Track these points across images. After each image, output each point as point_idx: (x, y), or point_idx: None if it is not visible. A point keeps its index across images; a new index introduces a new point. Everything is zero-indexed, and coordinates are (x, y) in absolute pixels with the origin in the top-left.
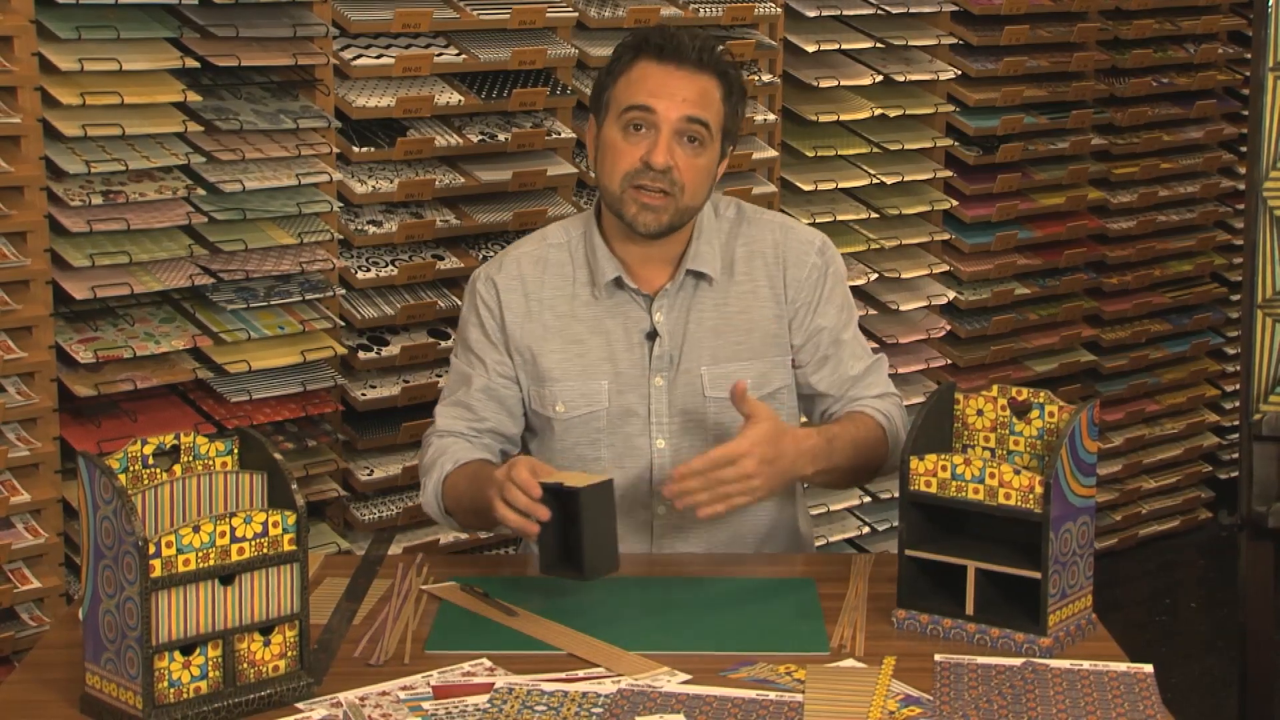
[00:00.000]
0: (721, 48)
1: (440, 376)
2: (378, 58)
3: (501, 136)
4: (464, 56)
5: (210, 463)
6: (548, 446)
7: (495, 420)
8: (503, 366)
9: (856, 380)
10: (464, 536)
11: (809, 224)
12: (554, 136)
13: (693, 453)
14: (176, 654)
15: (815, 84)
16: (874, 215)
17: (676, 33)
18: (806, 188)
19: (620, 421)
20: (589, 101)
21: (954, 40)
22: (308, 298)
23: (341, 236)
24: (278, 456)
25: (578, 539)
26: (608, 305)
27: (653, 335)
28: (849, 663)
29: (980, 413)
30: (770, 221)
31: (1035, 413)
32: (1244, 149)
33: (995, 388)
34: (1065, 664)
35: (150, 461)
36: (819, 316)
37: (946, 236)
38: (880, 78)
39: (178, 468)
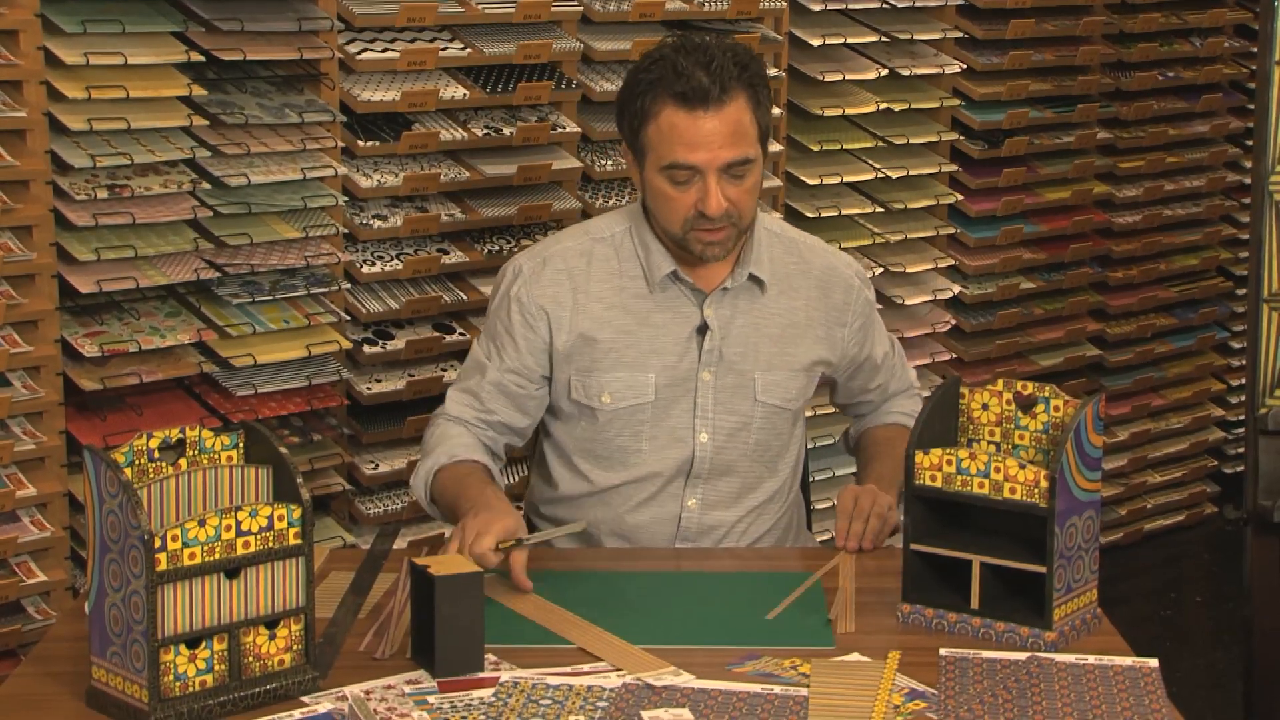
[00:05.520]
0: (736, 49)
1: (445, 371)
2: (383, 52)
3: (506, 131)
4: (469, 50)
5: (215, 457)
6: (586, 435)
7: (504, 414)
8: (520, 364)
9: (898, 393)
10: None
11: (813, 218)
12: (559, 131)
13: (735, 447)
14: (182, 647)
15: (820, 78)
16: (879, 209)
17: (691, 68)
18: (812, 182)
19: (665, 414)
20: (618, 126)
21: (959, 34)
22: (313, 292)
23: (346, 230)
24: (283, 450)
25: (432, 629)
26: (659, 299)
27: (703, 330)
28: (854, 657)
29: (985, 407)
30: (815, 246)
31: (1040, 407)
32: (1250, 143)
33: (1000, 382)
34: (1070, 658)
35: (156, 455)
36: (875, 345)
37: (952, 231)
38: (885, 72)
39: (183, 461)
